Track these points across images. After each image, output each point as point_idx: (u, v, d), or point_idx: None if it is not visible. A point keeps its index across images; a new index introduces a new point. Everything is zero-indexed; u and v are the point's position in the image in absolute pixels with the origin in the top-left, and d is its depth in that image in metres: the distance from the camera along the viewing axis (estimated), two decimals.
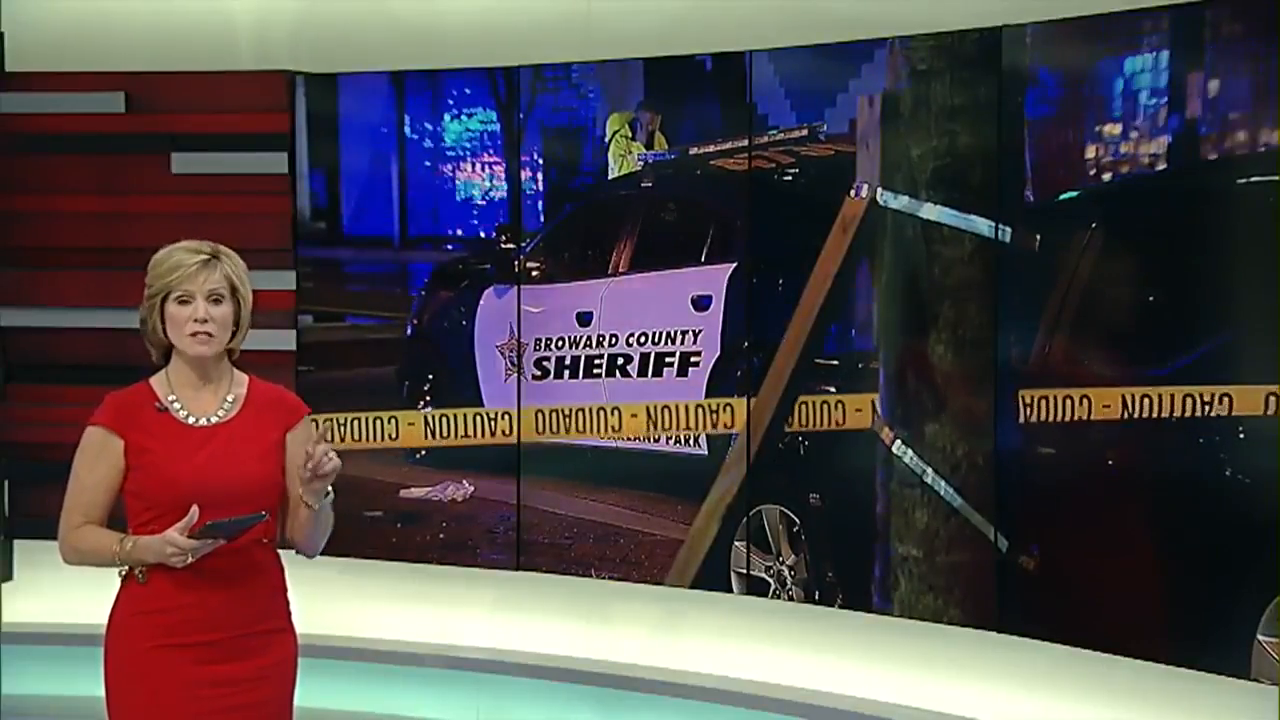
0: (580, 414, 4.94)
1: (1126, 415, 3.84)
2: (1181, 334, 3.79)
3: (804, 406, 4.46)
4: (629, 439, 4.85)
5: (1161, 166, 3.76)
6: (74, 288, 5.35)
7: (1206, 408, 3.69)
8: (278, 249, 5.22)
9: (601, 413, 4.89)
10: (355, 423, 5.24)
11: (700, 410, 4.72)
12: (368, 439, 5.23)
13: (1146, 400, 3.82)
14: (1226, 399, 3.69)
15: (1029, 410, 4.01)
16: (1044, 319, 4.00)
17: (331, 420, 5.13)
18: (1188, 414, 3.75)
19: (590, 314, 4.86)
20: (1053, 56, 3.96)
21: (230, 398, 3.33)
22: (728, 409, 4.63)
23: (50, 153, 5.37)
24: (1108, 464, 3.94)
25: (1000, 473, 4.08)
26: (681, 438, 4.75)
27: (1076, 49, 3.91)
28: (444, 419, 5.17)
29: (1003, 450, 4.06)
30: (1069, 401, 3.97)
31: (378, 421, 5.24)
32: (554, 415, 4.98)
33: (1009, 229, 4.02)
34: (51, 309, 5.40)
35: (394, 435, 5.23)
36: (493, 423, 5.08)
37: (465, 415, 5.15)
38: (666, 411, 4.80)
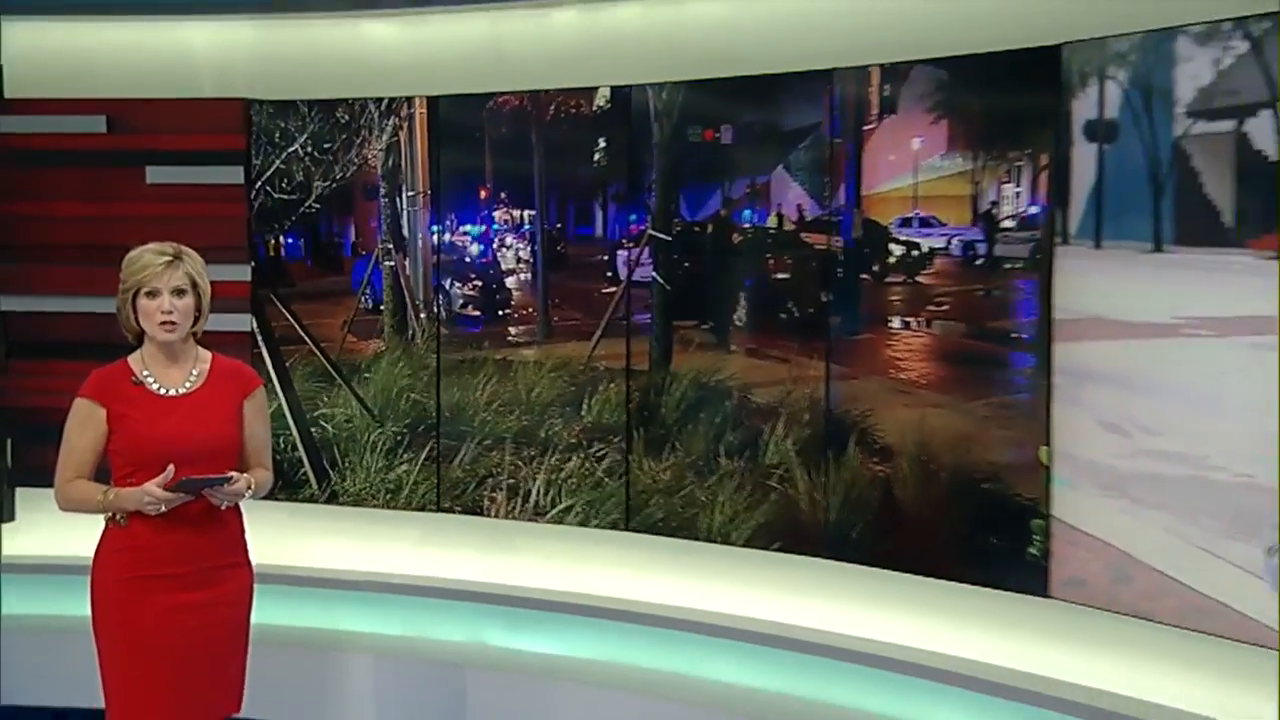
0: None
1: None
2: None
3: None
4: None
5: None
6: (65, 279, 5.43)
7: None
8: (235, 246, 5.40)
9: None
10: None
11: None
12: None
13: None
14: None
15: None
16: None
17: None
18: None
19: None
20: None
21: (195, 372, 3.53)
22: None
23: (44, 166, 5.45)
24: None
25: None
26: None
27: None
28: None
29: None
30: None
31: None
32: None
33: None
34: (46, 296, 5.47)
35: None
36: None
37: None
38: None
